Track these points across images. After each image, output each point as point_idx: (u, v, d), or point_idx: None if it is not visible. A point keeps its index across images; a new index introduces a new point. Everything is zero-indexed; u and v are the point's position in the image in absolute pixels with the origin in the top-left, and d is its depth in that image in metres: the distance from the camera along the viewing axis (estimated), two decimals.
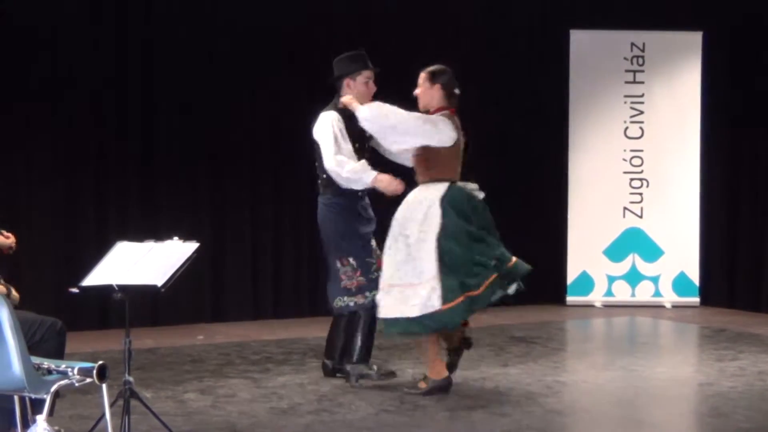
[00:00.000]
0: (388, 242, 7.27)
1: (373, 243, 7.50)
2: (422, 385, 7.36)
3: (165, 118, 10.28)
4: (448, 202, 7.23)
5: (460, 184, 7.40)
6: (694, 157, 11.44)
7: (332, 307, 7.54)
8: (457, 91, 7.47)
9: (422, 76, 7.47)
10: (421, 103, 7.45)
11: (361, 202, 7.52)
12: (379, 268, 7.34)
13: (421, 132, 7.27)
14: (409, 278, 7.15)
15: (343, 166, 7.28)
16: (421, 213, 7.21)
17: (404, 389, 7.40)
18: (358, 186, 7.36)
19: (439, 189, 7.28)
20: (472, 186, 7.47)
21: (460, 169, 7.45)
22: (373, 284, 7.34)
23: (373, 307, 7.32)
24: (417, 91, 7.45)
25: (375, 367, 7.60)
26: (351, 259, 7.38)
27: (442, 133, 7.29)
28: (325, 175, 7.42)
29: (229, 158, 10.56)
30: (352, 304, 7.41)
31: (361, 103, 7.38)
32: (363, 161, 7.35)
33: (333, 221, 7.42)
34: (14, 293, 5.85)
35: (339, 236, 7.40)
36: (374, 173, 7.30)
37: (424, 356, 7.50)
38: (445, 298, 7.06)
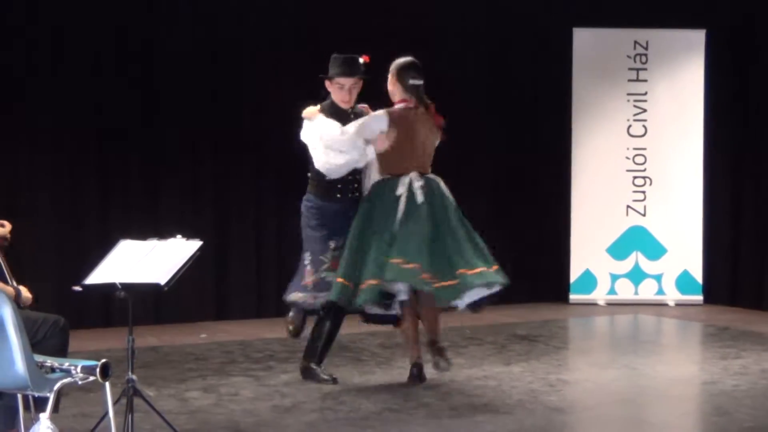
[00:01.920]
0: None
1: (332, 244, 7.50)
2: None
3: (168, 116, 10.28)
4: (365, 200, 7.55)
5: (410, 177, 7.48)
6: (697, 155, 11.44)
7: (285, 299, 7.63)
8: (412, 82, 7.54)
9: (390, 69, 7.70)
10: (391, 97, 7.68)
11: (338, 206, 7.54)
12: (331, 269, 7.39)
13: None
14: None
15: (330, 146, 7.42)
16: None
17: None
18: (348, 150, 7.41)
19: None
20: (417, 183, 7.51)
21: (407, 162, 7.52)
22: (322, 285, 7.44)
23: (321, 310, 7.48)
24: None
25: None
26: (307, 254, 7.52)
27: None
28: (308, 174, 7.60)
29: (233, 156, 10.56)
30: (303, 302, 7.50)
31: (339, 106, 7.54)
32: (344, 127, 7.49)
33: (303, 216, 7.60)
34: (26, 293, 5.81)
35: (303, 229, 7.59)
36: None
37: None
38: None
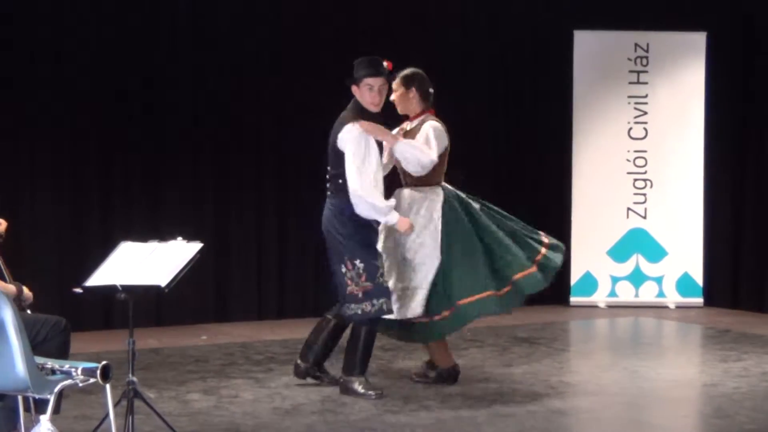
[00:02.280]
0: (385, 244, 7.42)
1: (380, 247, 7.41)
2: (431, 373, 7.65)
3: (169, 118, 10.29)
4: (449, 209, 7.41)
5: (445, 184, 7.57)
6: (697, 158, 11.44)
7: (344, 315, 7.33)
8: (431, 90, 7.55)
9: (396, 82, 7.52)
10: (399, 109, 7.58)
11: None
12: (384, 274, 7.27)
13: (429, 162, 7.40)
14: (408, 280, 7.35)
15: (371, 194, 7.10)
16: (420, 217, 7.37)
17: (413, 377, 7.69)
18: (372, 216, 7.19)
19: (435, 193, 7.45)
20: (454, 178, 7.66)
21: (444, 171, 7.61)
22: (379, 290, 7.17)
23: (378, 318, 7.23)
24: (393, 97, 7.52)
25: (329, 373, 7.63)
26: (357, 262, 7.16)
27: (435, 150, 7.39)
28: (340, 180, 7.19)
29: (234, 158, 10.56)
30: (359, 311, 7.19)
31: (367, 109, 7.25)
32: (391, 201, 7.25)
33: (341, 224, 7.21)
34: (27, 291, 5.82)
35: (345, 238, 7.19)
36: (397, 216, 7.21)
37: (429, 349, 7.70)
38: (434, 308, 7.31)
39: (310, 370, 7.58)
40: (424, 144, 7.37)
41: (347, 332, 7.47)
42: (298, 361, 7.63)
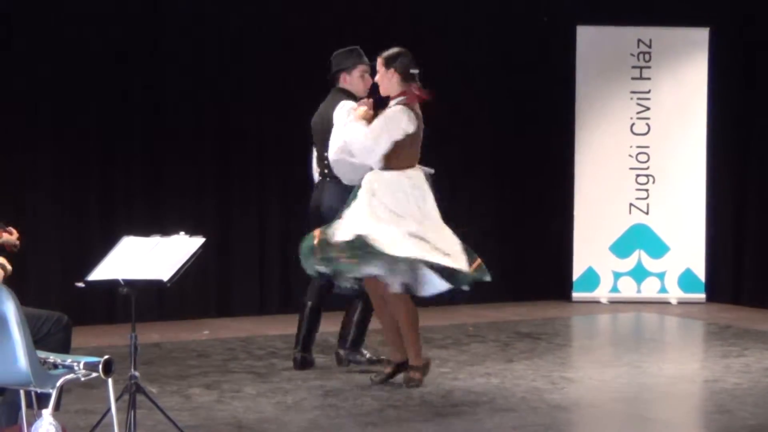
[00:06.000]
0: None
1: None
2: (387, 369, 7.50)
3: (170, 112, 10.28)
4: None
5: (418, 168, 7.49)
6: (700, 154, 11.42)
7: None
8: (413, 71, 7.38)
9: (379, 62, 7.44)
10: (381, 90, 7.48)
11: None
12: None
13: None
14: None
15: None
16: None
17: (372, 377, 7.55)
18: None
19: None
20: (427, 170, 7.50)
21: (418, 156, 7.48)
22: None
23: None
24: (376, 78, 7.48)
25: (367, 354, 7.90)
26: None
27: (393, 132, 7.27)
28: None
29: (236, 152, 10.56)
30: None
31: (358, 95, 7.60)
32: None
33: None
34: (7, 266, 5.74)
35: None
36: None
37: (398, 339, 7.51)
38: None
39: (349, 355, 7.89)
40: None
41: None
42: (337, 350, 7.93)
